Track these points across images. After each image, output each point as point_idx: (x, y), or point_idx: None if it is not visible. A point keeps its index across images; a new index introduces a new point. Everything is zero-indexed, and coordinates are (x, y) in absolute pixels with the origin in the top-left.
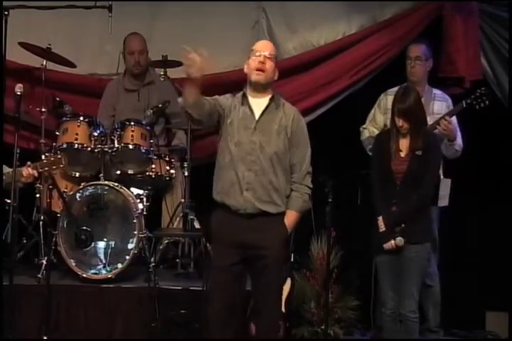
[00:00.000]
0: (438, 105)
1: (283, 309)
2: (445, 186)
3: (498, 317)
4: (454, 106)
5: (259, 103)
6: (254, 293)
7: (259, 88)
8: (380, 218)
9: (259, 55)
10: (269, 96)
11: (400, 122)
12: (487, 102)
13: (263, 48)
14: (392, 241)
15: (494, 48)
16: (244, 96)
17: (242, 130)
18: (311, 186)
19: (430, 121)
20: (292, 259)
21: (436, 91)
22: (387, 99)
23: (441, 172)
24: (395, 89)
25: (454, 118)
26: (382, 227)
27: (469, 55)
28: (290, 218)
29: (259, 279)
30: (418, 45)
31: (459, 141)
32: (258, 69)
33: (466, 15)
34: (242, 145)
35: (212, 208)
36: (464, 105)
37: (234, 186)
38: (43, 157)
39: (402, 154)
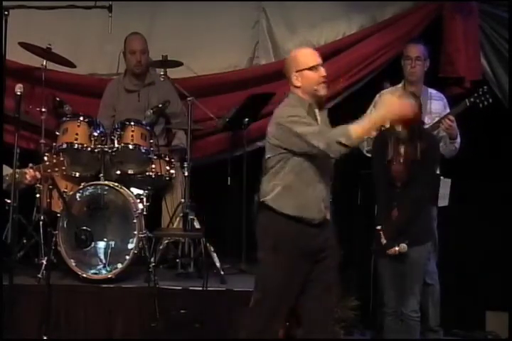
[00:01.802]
0: (435, 104)
1: None
2: (445, 186)
3: (498, 317)
4: (451, 105)
5: (321, 115)
6: (313, 293)
7: (322, 101)
8: (381, 231)
9: (320, 69)
10: (320, 101)
11: (399, 128)
12: (490, 100)
13: (319, 60)
14: (396, 248)
15: (494, 48)
16: (311, 108)
17: None
18: None
19: (428, 120)
20: None
21: (432, 91)
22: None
23: (437, 172)
24: (390, 89)
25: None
26: (383, 240)
27: (469, 55)
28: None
29: (320, 281)
30: (417, 45)
31: (458, 139)
32: (324, 82)
33: (466, 15)
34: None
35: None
36: (468, 104)
37: (314, 200)
38: (45, 158)
39: (401, 159)
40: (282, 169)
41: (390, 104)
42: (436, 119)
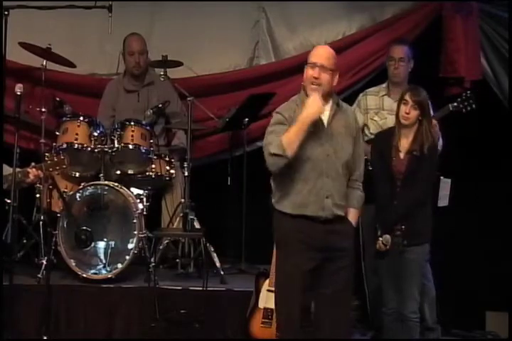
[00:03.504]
0: None
1: None
2: (445, 186)
3: (498, 317)
4: (433, 107)
5: (326, 110)
6: (322, 295)
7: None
8: (380, 239)
9: (314, 69)
10: (330, 101)
11: (407, 109)
12: (473, 106)
13: (318, 58)
14: (380, 239)
15: (494, 48)
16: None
17: (314, 139)
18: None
19: None
20: None
21: None
22: (367, 98)
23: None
24: (374, 89)
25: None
26: (382, 248)
27: (469, 55)
28: (354, 216)
29: (333, 281)
30: (401, 46)
31: (440, 142)
32: (313, 83)
33: (466, 15)
34: (315, 152)
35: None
36: (451, 108)
37: (314, 196)
38: (46, 158)
39: (402, 155)
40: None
41: (308, 105)
42: None
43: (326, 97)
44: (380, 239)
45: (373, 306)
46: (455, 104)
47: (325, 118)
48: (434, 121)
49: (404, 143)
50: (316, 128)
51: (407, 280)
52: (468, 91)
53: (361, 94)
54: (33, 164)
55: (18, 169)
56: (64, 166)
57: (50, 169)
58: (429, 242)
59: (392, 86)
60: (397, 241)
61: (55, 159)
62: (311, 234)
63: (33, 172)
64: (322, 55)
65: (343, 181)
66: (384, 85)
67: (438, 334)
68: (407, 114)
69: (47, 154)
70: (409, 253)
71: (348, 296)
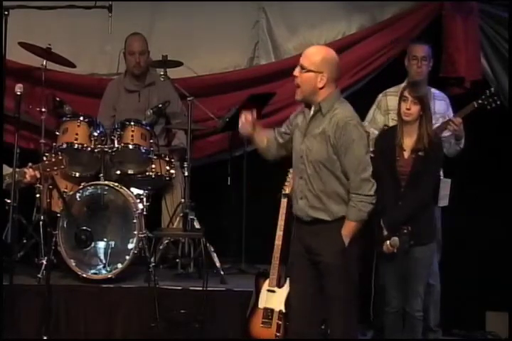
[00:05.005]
0: (439, 104)
1: (283, 309)
2: (445, 186)
3: (498, 317)
4: (453, 105)
5: (311, 111)
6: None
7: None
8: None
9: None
10: (316, 103)
11: (408, 105)
12: (498, 102)
13: (302, 57)
14: (388, 242)
15: (494, 48)
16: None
17: (297, 139)
18: (370, 193)
19: (433, 120)
20: None
21: (435, 91)
22: (388, 99)
23: (441, 172)
24: (394, 89)
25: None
26: (385, 232)
27: (469, 55)
28: (344, 227)
29: (320, 285)
30: (423, 46)
31: (463, 139)
32: (295, 83)
33: (466, 15)
34: (295, 153)
35: None
36: (476, 105)
37: (295, 195)
38: (44, 158)
39: (406, 155)
40: None
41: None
42: (440, 120)
43: (311, 99)
44: (388, 241)
45: (378, 305)
46: (480, 101)
47: (308, 118)
48: (459, 119)
49: (408, 141)
50: (300, 128)
51: (413, 279)
52: (492, 88)
53: (381, 95)
54: (30, 164)
55: (17, 169)
56: (62, 166)
57: (48, 169)
58: (435, 241)
59: (424, 85)
60: (403, 241)
61: (53, 159)
62: (299, 233)
63: (29, 172)
64: (305, 54)
65: (323, 185)
66: (403, 85)
67: (438, 335)
68: (408, 110)
69: (46, 154)
70: (415, 252)
71: (339, 299)
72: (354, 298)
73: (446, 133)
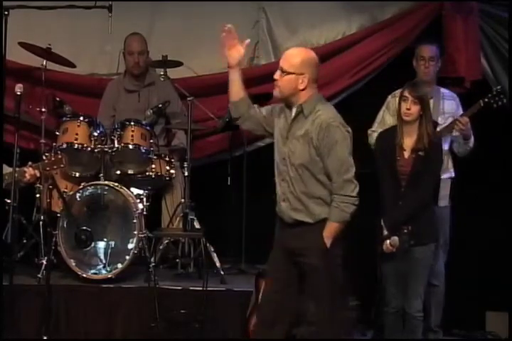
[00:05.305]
0: (448, 104)
1: None
2: (445, 186)
3: (498, 317)
4: (463, 104)
5: (292, 112)
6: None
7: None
8: (388, 241)
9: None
10: (298, 105)
11: (408, 105)
12: (504, 101)
13: (281, 59)
14: (388, 241)
15: (494, 48)
16: (283, 106)
17: (279, 140)
18: (353, 194)
19: (441, 120)
20: None
21: (444, 91)
22: (396, 100)
23: (452, 170)
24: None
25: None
26: (385, 232)
27: (469, 55)
28: (326, 228)
29: (304, 286)
30: (431, 46)
31: (472, 139)
32: (275, 84)
33: (466, 15)
34: (278, 155)
35: None
36: (482, 104)
37: (278, 196)
38: (44, 157)
39: (406, 154)
40: None
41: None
42: (449, 119)
43: (291, 100)
44: (388, 240)
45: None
46: (486, 99)
47: (290, 120)
48: (466, 119)
49: (408, 141)
50: (282, 130)
51: (413, 279)
52: (499, 87)
53: (390, 96)
54: (29, 163)
55: (17, 168)
56: (62, 165)
57: (48, 168)
58: (442, 242)
59: (426, 85)
60: (403, 241)
61: (53, 158)
62: (282, 235)
63: (29, 171)
64: (285, 57)
65: (305, 187)
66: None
67: (439, 336)
68: (408, 109)
69: (46, 154)
70: (416, 252)
71: (323, 300)
72: (339, 298)
73: (455, 133)
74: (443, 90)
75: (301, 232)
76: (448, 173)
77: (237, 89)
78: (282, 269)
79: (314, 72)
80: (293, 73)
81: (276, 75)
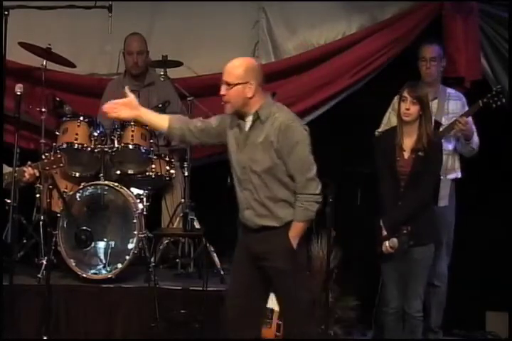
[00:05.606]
0: (453, 104)
1: None
2: (445, 186)
3: (498, 317)
4: (469, 104)
5: (248, 121)
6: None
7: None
8: (387, 242)
9: (221, 84)
10: (253, 112)
11: (407, 105)
12: (503, 100)
13: (223, 74)
14: (387, 243)
15: (494, 48)
16: (233, 116)
17: (235, 150)
18: (316, 191)
19: (446, 120)
20: None
21: (451, 91)
22: None
23: (459, 171)
24: None
25: (469, 117)
26: (384, 232)
27: (469, 55)
28: (292, 229)
29: (268, 289)
30: (432, 46)
31: (475, 139)
32: (223, 101)
33: (466, 15)
34: (236, 166)
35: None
36: (481, 104)
37: (240, 204)
38: (44, 157)
39: (406, 155)
40: None
41: None
42: (453, 120)
43: (243, 110)
44: (387, 242)
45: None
46: (485, 99)
47: (245, 129)
48: (466, 119)
49: (408, 142)
50: (238, 140)
51: (413, 279)
52: (499, 86)
53: (396, 97)
54: (29, 163)
55: (16, 168)
56: (61, 165)
57: (47, 168)
58: (435, 243)
59: (425, 86)
60: (402, 242)
61: (52, 158)
62: (245, 240)
63: (28, 171)
64: (225, 70)
65: (270, 192)
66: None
67: (439, 336)
68: (408, 110)
69: (46, 154)
70: (415, 253)
71: (291, 303)
72: (308, 298)
73: (458, 133)
74: (449, 90)
75: (265, 236)
76: (454, 174)
77: (157, 124)
78: (246, 273)
79: (259, 78)
80: (239, 84)
81: (223, 91)
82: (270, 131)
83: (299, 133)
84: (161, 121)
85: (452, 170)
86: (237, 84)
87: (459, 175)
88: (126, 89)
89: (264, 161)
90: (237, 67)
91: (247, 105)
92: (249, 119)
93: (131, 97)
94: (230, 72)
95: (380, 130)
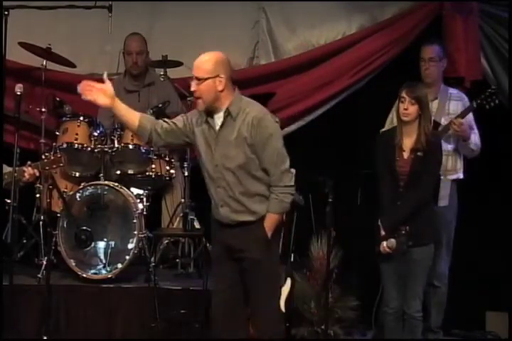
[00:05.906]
0: (454, 105)
1: (283, 309)
2: (445, 186)
3: (498, 317)
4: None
5: (218, 118)
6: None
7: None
8: (384, 243)
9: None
10: (224, 108)
11: (406, 105)
12: (497, 101)
13: (193, 69)
14: (384, 244)
15: (494, 48)
16: (202, 113)
17: (206, 149)
18: (291, 183)
19: (445, 121)
20: (292, 259)
21: (452, 91)
22: None
23: (461, 172)
24: None
25: (470, 117)
26: (382, 232)
27: (469, 55)
28: (267, 220)
29: (246, 281)
30: (431, 46)
31: (474, 140)
32: (194, 97)
33: (466, 15)
34: (207, 164)
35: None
36: (475, 105)
37: (214, 202)
38: (43, 157)
39: (405, 155)
40: None
41: None
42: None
43: (215, 106)
44: (385, 242)
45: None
46: (478, 100)
47: (216, 126)
48: (460, 120)
49: (407, 142)
50: (208, 138)
51: (412, 280)
52: (493, 87)
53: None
54: (29, 162)
55: (16, 168)
56: (61, 164)
57: (47, 168)
58: (434, 243)
59: (426, 87)
60: (401, 242)
61: (52, 158)
62: (220, 235)
63: (28, 170)
64: (194, 66)
65: (244, 187)
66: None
67: (439, 337)
68: (406, 110)
69: (46, 154)
70: (414, 253)
71: (265, 293)
72: (278, 289)
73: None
74: (451, 90)
75: (241, 230)
76: (455, 174)
77: (129, 120)
78: (225, 265)
79: (228, 71)
80: (209, 78)
81: (193, 87)
82: (242, 126)
83: (271, 126)
84: (133, 117)
85: (453, 171)
86: (207, 79)
87: (461, 176)
88: (105, 75)
89: (238, 157)
90: (206, 62)
91: (218, 100)
92: (220, 116)
93: (109, 85)
94: (199, 67)
95: (383, 130)
